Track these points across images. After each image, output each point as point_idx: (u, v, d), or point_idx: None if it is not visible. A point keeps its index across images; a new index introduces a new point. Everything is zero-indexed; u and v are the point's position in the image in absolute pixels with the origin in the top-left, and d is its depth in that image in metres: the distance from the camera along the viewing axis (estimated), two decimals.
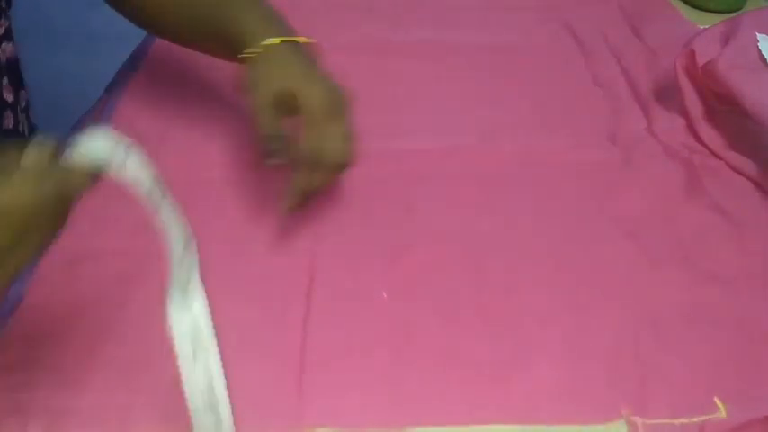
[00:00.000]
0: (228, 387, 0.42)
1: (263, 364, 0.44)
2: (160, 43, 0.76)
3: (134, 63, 0.72)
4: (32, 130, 0.70)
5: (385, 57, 0.74)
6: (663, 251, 0.51)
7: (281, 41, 0.52)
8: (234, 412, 0.41)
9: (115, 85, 0.69)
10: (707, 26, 0.68)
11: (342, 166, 0.50)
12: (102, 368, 0.43)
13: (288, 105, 0.48)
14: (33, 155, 0.34)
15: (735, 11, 0.82)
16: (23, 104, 0.67)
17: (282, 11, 0.81)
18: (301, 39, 0.54)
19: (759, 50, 0.62)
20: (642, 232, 0.53)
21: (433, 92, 0.69)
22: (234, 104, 0.67)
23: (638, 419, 0.40)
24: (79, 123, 0.64)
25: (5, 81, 0.63)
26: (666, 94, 0.65)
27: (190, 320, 0.37)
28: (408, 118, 0.65)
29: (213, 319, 0.46)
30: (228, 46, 0.54)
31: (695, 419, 0.40)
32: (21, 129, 0.66)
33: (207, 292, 0.48)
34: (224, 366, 0.43)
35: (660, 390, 0.42)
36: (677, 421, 0.40)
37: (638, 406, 0.41)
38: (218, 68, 0.71)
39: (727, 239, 0.52)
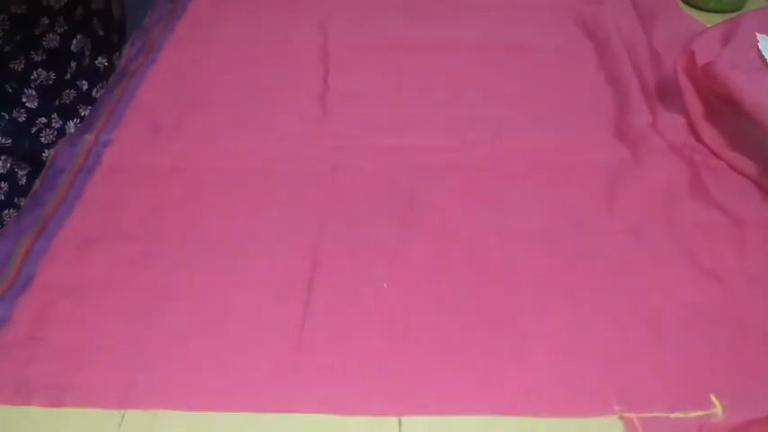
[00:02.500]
0: (226, 368, 0.40)
1: (262, 350, 0.41)
2: (179, 33, 0.74)
3: (154, 53, 0.70)
4: None
5: (398, 53, 0.71)
6: (663, 248, 0.48)
7: None
8: (231, 396, 0.39)
9: (134, 75, 0.66)
10: (707, 26, 0.64)
11: None
12: (106, 348, 0.41)
13: None
14: None
15: (735, 11, 0.77)
16: None
17: (297, 7, 0.79)
18: None
19: (759, 50, 0.58)
20: (643, 229, 0.49)
21: (445, 88, 0.66)
22: (250, 95, 0.64)
23: (632, 415, 0.37)
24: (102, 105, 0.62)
25: None
26: (670, 93, 0.61)
27: None
28: (419, 114, 0.62)
29: (216, 304, 0.44)
30: None
31: (691, 414, 0.37)
32: None
33: (213, 276, 0.46)
34: (223, 349, 0.41)
35: (656, 386, 0.39)
36: (673, 415, 0.37)
37: (634, 401, 0.38)
38: (237, 60, 0.70)
39: (728, 238, 0.48)
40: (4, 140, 0.54)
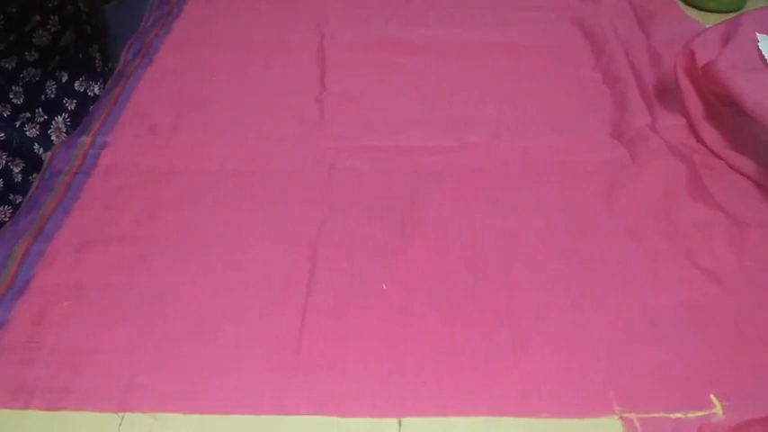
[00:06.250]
0: (225, 370, 0.41)
1: (261, 351, 0.41)
2: (175, 35, 0.74)
3: (150, 54, 0.70)
4: None
5: (394, 53, 0.71)
6: (663, 248, 0.48)
7: None
8: (231, 398, 0.39)
9: (131, 76, 0.67)
10: (707, 26, 0.64)
11: None
12: (105, 350, 0.41)
13: None
14: None
15: (735, 11, 0.77)
16: None
17: (293, 8, 0.80)
18: None
19: (759, 50, 0.59)
20: (643, 229, 0.50)
21: (442, 89, 0.66)
22: (247, 97, 0.65)
23: (632, 415, 0.37)
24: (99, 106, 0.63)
25: None
26: (669, 93, 0.62)
27: None
28: (416, 114, 0.62)
29: (214, 306, 0.44)
30: None
31: (691, 415, 0.38)
32: None
33: (211, 278, 0.46)
34: (222, 351, 0.42)
35: (656, 386, 0.39)
36: (673, 416, 0.38)
37: (634, 401, 0.38)
38: (234, 61, 0.70)
39: (728, 238, 0.48)
40: None
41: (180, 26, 0.76)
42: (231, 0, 0.81)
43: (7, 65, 0.59)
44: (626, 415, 0.38)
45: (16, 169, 0.55)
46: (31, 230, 0.49)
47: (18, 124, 0.60)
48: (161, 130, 0.60)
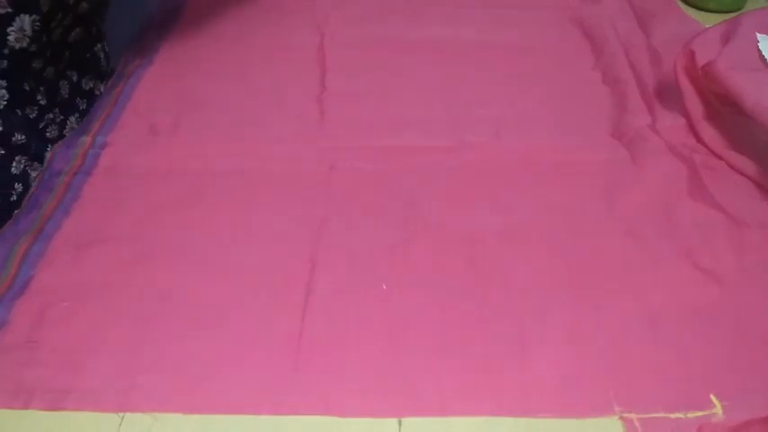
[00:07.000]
0: (225, 370, 0.41)
1: (261, 350, 0.41)
2: (175, 35, 0.74)
3: (150, 55, 0.70)
4: None
5: (395, 53, 0.71)
6: (663, 248, 0.48)
7: None
8: (230, 398, 0.39)
9: (131, 77, 0.67)
10: (707, 26, 0.64)
11: None
12: (105, 351, 0.41)
13: None
14: None
15: (735, 11, 0.78)
16: None
17: (294, 8, 0.80)
18: None
19: (759, 50, 0.59)
20: (643, 229, 0.50)
21: (442, 89, 0.66)
22: (247, 97, 0.65)
23: (632, 415, 0.38)
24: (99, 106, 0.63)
25: None
26: (669, 93, 0.62)
27: None
28: (417, 114, 0.62)
29: (214, 306, 0.45)
30: None
31: (691, 415, 0.38)
32: None
33: (210, 277, 0.47)
34: (222, 351, 0.42)
35: (656, 386, 0.39)
36: (673, 416, 0.38)
37: (634, 401, 0.38)
38: (233, 61, 0.70)
39: (728, 238, 0.49)
40: (18, 138, 0.54)
41: (180, 26, 0.76)
42: (231, 0, 0.81)
43: (36, 65, 0.59)
44: (626, 415, 0.38)
45: (33, 174, 0.55)
46: (31, 230, 0.49)
47: (42, 126, 0.60)
48: (161, 130, 0.60)
